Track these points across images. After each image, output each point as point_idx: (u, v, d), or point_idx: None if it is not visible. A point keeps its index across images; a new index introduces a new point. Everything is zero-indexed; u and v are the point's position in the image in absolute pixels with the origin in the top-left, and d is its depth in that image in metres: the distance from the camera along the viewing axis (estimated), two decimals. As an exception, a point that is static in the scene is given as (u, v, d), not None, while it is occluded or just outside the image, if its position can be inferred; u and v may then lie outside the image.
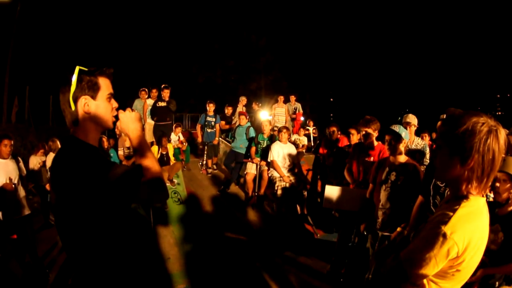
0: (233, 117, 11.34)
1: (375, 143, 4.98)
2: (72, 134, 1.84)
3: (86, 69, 1.83)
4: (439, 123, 4.04)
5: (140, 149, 1.91)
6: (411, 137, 5.55)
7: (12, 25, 14.30)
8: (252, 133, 8.71)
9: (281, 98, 12.04)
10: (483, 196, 1.57)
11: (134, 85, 13.73)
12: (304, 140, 10.70)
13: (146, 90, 10.49)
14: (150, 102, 10.13)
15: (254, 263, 5.45)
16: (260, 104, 12.86)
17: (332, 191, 4.91)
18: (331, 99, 41.78)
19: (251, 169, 8.09)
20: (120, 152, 8.31)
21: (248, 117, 9.63)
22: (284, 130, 7.27)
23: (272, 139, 7.95)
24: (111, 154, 7.80)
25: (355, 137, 5.93)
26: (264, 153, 7.68)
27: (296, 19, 32.96)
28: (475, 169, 1.49)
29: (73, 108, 1.79)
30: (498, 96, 79.08)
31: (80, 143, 1.80)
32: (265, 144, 7.97)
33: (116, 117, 1.96)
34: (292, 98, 12.63)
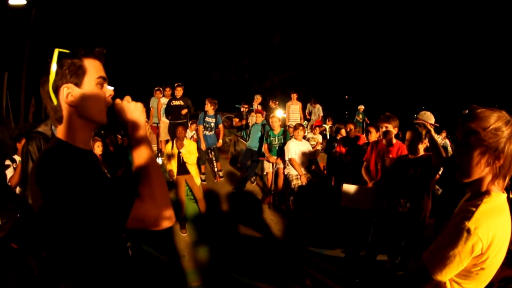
0: (248, 115, 11.34)
1: (394, 140, 4.92)
2: (56, 136, 1.47)
3: (67, 51, 1.44)
4: (460, 120, 3.99)
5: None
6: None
7: (27, 27, 14.52)
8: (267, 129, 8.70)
9: (295, 95, 11.97)
10: (504, 192, 1.56)
11: (149, 84, 13.82)
12: (319, 138, 10.66)
13: (161, 89, 10.53)
14: (164, 101, 10.16)
15: (268, 263, 5.43)
16: (277, 102, 12.82)
17: (350, 190, 4.86)
18: (346, 97, 41.58)
19: (269, 168, 8.02)
20: None
21: (264, 115, 9.56)
22: (300, 128, 7.22)
23: (284, 134, 7.89)
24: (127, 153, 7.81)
25: (373, 135, 5.88)
26: (280, 151, 7.65)
27: (310, 17, 32.79)
28: (504, 166, 1.49)
29: (54, 102, 1.41)
30: (517, 93, 78.17)
31: (64, 146, 1.43)
32: (276, 141, 7.90)
33: (111, 109, 1.55)
34: (294, 96, 12.22)
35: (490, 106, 1.56)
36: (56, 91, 1.41)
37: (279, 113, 11.31)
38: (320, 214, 7.15)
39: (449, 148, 5.42)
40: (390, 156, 4.85)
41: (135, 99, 1.57)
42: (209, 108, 8.89)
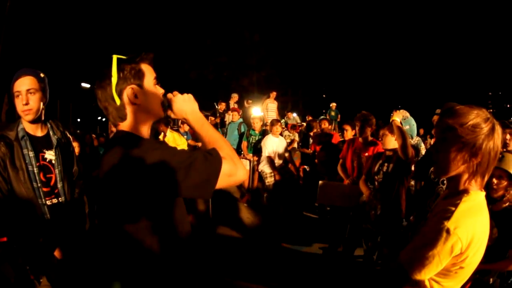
0: (225, 114, 11.32)
1: (370, 138, 4.97)
2: (122, 129, 1.62)
3: (124, 57, 1.62)
4: (435, 117, 4.03)
5: (206, 132, 1.66)
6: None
7: (1, 21, 14.12)
8: (244, 129, 8.68)
9: (273, 94, 11.99)
10: (482, 191, 1.54)
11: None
12: (295, 136, 10.68)
13: None
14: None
15: (246, 261, 5.42)
16: (251, 101, 12.83)
17: (326, 187, 4.88)
18: (324, 95, 41.94)
19: (245, 166, 7.97)
20: None
21: (240, 114, 9.56)
22: (278, 124, 7.19)
23: (264, 134, 7.87)
24: (101, 152, 7.72)
25: (349, 133, 5.92)
26: (255, 148, 7.64)
27: (289, 15, 32.90)
28: (482, 164, 1.48)
29: (118, 102, 1.56)
30: (490, 94, 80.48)
31: (134, 136, 1.59)
32: (256, 139, 7.90)
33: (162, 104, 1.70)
34: (273, 94, 12.26)
35: (466, 104, 1.56)
36: (120, 93, 1.56)
37: (257, 112, 11.31)
38: (295, 211, 7.17)
39: (422, 147, 5.48)
40: (366, 154, 4.89)
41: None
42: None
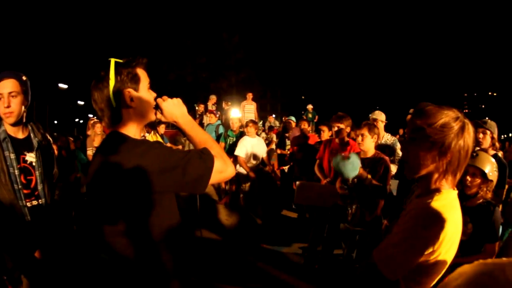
0: (203, 116, 11.31)
1: (346, 139, 5.03)
2: (117, 131, 1.68)
3: (121, 60, 1.68)
4: (409, 116, 4.11)
5: (196, 133, 1.78)
6: (380, 133, 5.62)
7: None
8: (222, 131, 8.69)
9: (250, 95, 12.03)
10: (455, 189, 1.58)
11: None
12: (273, 137, 10.72)
13: None
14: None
15: (225, 263, 5.42)
16: (230, 103, 12.84)
17: (304, 187, 4.93)
18: (303, 97, 42.14)
19: None
20: (89, 152, 8.05)
21: (217, 115, 9.56)
22: (251, 124, 7.18)
23: (242, 135, 7.89)
24: (78, 156, 7.61)
25: (326, 134, 5.99)
26: (231, 149, 7.66)
27: (268, 17, 33.06)
28: (452, 163, 1.51)
29: (114, 104, 1.64)
30: (466, 95, 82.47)
31: (132, 138, 1.64)
32: (234, 140, 7.89)
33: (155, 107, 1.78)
34: (249, 95, 12.26)
35: (442, 104, 1.59)
36: (117, 95, 1.62)
37: (235, 113, 11.32)
38: (274, 211, 7.20)
39: (398, 147, 5.56)
40: (343, 154, 4.95)
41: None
42: None
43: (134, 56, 1.71)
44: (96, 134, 8.26)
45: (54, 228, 2.89)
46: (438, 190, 1.53)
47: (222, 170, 1.63)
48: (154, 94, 1.77)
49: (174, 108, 1.75)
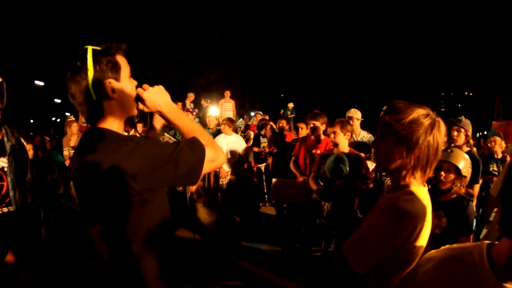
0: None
1: (322, 136, 5.06)
2: (99, 126, 1.54)
3: (99, 48, 1.52)
4: (382, 113, 4.16)
5: (183, 122, 1.64)
6: (356, 130, 5.70)
7: None
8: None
9: (227, 93, 12.04)
10: (425, 185, 1.60)
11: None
12: (250, 134, 10.74)
13: None
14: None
15: (205, 261, 5.40)
16: (209, 101, 12.81)
17: (280, 184, 4.94)
18: (282, 95, 42.28)
19: None
20: (65, 153, 7.92)
21: (194, 114, 9.51)
22: (225, 122, 7.13)
23: (219, 133, 7.87)
24: (54, 156, 7.43)
25: (304, 131, 6.02)
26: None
27: (247, 15, 33.02)
28: (421, 159, 1.52)
29: (94, 97, 1.48)
30: (443, 94, 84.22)
31: (118, 134, 1.52)
32: None
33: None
34: (227, 93, 12.36)
35: (421, 103, 1.60)
36: (96, 87, 1.48)
37: (213, 111, 11.28)
38: (252, 209, 7.21)
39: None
40: (318, 151, 4.98)
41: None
42: None
43: (111, 42, 1.56)
44: (72, 134, 8.12)
45: (24, 236, 2.79)
46: (407, 186, 1.55)
47: (214, 159, 1.55)
48: (135, 83, 1.65)
49: (156, 97, 1.62)
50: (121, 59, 1.56)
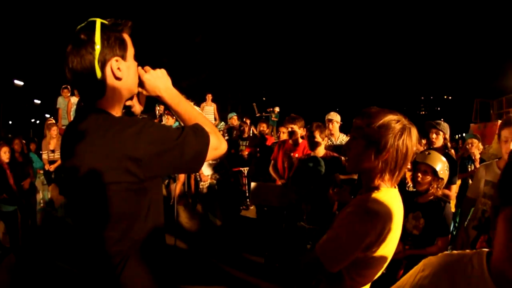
0: (162, 117, 11.16)
1: (300, 140, 5.08)
2: (99, 108, 1.42)
3: (106, 22, 1.41)
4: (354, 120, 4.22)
5: (184, 109, 1.57)
6: (335, 133, 5.74)
7: None
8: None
9: (209, 96, 12.02)
10: (395, 187, 1.64)
11: (56, 82, 13.07)
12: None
13: (69, 87, 9.70)
14: (74, 100, 9.55)
15: (187, 266, 5.37)
16: (193, 103, 12.73)
17: (259, 188, 4.95)
18: (264, 98, 42.39)
19: None
20: (45, 156, 7.73)
21: (174, 117, 9.45)
22: None
23: None
24: (33, 159, 7.23)
25: (285, 135, 6.03)
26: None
27: (229, 17, 32.98)
28: (389, 162, 1.56)
29: (99, 75, 1.36)
30: (422, 98, 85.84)
31: (115, 116, 1.42)
32: None
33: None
34: (209, 97, 12.34)
35: (401, 109, 1.64)
36: (103, 64, 1.37)
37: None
38: (232, 212, 7.20)
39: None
40: (296, 155, 5.00)
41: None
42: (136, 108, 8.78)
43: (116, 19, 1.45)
44: (51, 137, 7.93)
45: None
46: (376, 188, 1.59)
47: (217, 147, 1.49)
48: (137, 64, 1.54)
49: (157, 81, 1.54)
50: (127, 37, 1.48)
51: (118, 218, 1.35)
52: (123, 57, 1.42)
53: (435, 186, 3.07)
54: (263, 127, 7.75)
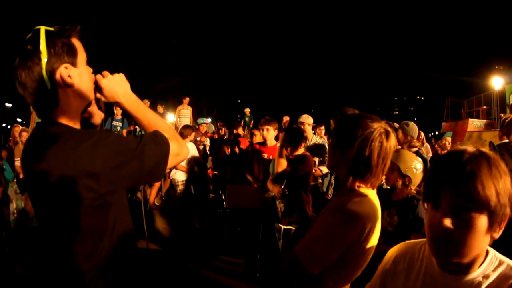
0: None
1: (274, 142, 5.12)
2: (55, 120, 1.36)
3: (52, 28, 1.33)
4: (332, 121, 4.29)
5: (143, 115, 1.50)
6: (308, 135, 5.84)
7: None
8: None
9: (186, 99, 11.93)
10: (373, 188, 1.69)
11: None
12: (206, 141, 10.72)
13: None
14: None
15: (166, 271, 5.33)
16: (163, 107, 12.63)
17: (235, 191, 4.97)
18: (239, 101, 42.38)
19: None
20: (18, 163, 7.50)
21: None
22: (186, 129, 7.09)
23: None
24: (4, 167, 6.98)
25: (258, 138, 6.04)
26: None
27: (204, 20, 32.84)
28: (371, 165, 1.60)
29: (49, 85, 1.30)
30: (396, 98, 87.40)
31: (75, 130, 1.37)
32: None
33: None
34: (186, 100, 12.14)
35: (375, 109, 1.71)
36: (51, 73, 1.30)
37: (170, 118, 11.18)
38: (208, 216, 7.20)
39: (327, 148, 5.78)
40: (271, 156, 5.03)
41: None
42: (118, 112, 9.06)
43: (65, 24, 1.37)
44: (23, 144, 7.68)
45: None
46: (355, 189, 1.64)
47: (178, 153, 1.46)
48: (91, 70, 1.48)
49: (116, 86, 1.46)
50: (77, 42, 1.40)
51: (84, 235, 1.32)
52: (73, 64, 1.36)
53: (400, 182, 3.13)
54: (239, 130, 7.75)
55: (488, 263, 1.11)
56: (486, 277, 1.09)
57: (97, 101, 1.53)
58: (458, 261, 1.08)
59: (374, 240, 1.61)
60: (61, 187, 1.25)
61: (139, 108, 1.51)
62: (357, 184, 1.65)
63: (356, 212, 1.53)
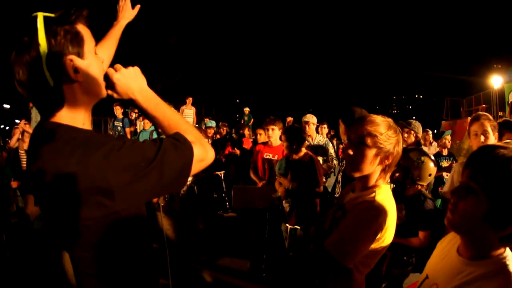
0: (137, 121, 11.04)
1: (278, 141, 5.13)
2: (57, 122, 1.17)
3: (53, 15, 1.14)
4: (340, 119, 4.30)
5: (163, 114, 1.30)
6: (312, 134, 5.85)
7: None
8: (156, 137, 8.56)
9: (190, 99, 11.93)
10: (388, 183, 1.88)
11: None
12: (209, 141, 10.74)
13: None
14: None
15: (174, 272, 5.32)
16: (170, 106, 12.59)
17: (240, 191, 4.97)
18: (237, 100, 42.34)
19: None
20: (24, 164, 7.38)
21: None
22: None
23: None
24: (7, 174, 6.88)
25: (262, 137, 6.05)
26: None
27: (202, 19, 32.72)
28: (392, 165, 1.79)
29: (51, 82, 1.12)
30: (394, 97, 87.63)
31: (85, 132, 1.19)
32: None
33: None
34: (189, 100, 12.26)
35: (374, 108, 1.80)
36: (53, 68, 1.11)
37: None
38: (213, 215, 7.19)
39: (330, 146, 5.78)
40: (276, 156, 5.04)
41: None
42: (118, 111, 9.12)
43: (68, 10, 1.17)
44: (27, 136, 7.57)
45: None
46: (377, 186, 1.80)
47: (202, 158, 1.25)
48: (102, 59, 1.30)
49: (130, 81, 1.27)
50: (83, 29, 1.20)
51: (97, 250, 1.19)
52: (79, 55, 1.17)
53: (400, 176, 3.24)
54: (246, 130, 7.76)
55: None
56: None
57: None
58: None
59: (392, 230, 1.75)
60: (67, 204, 1.11)
61: (158, 106, 1.30)
62: (378, 181, 1.81)
63: (383, 206, 1.68)
